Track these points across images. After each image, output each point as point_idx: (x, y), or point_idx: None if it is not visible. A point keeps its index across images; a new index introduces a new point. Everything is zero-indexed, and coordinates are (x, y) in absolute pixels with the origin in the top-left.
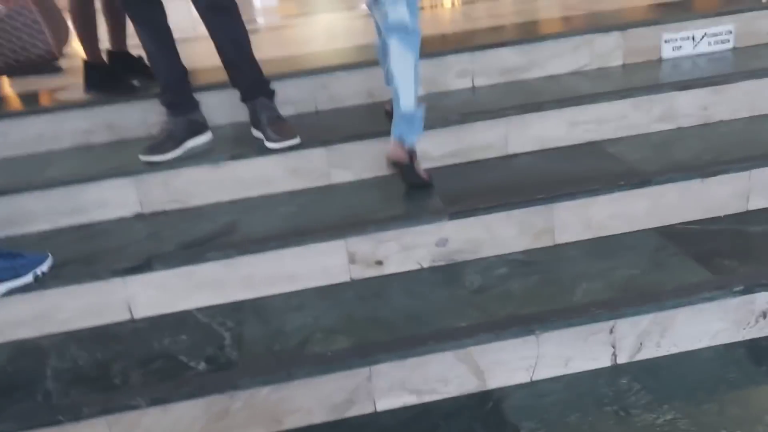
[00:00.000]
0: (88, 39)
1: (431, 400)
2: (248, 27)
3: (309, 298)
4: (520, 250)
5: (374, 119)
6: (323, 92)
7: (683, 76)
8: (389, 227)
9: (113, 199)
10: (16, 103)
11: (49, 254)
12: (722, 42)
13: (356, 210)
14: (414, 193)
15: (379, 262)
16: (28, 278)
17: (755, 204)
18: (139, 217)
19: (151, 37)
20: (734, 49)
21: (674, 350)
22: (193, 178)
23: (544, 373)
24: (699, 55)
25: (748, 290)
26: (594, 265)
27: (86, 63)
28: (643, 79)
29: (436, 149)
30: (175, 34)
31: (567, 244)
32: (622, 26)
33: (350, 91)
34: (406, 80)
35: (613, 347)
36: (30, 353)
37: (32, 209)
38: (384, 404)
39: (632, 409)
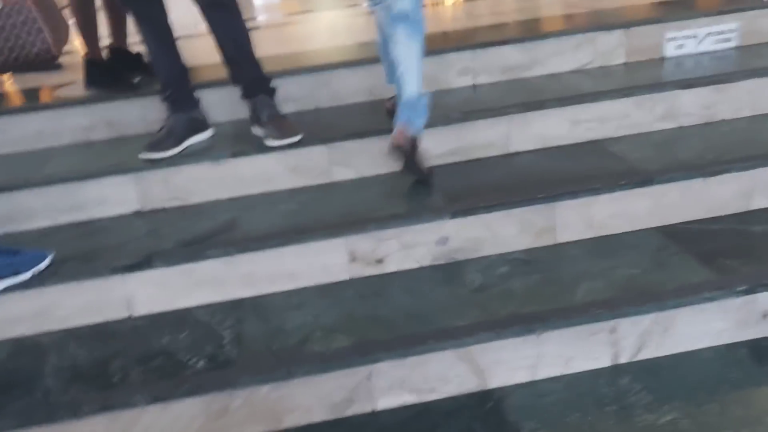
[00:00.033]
0: (89, 35)
1: (431, 399)
2: (249, 24)
3: (309, 297)
4: (521, 249)
5: (375, 117)
6: (324, 90)
7: (686, 74)
8: (390, 225)
9: (113, 196)
10: (15, 99)
11: (49, 252)
12: (725, 40)
13: (357, 208)
14: (414, 191)
15: (380, 261)
16: (27, 275)
17: (758, 204)
18: (138, 214)
19: (152, 34)
20: (737, 47)
21: (675, 350)
22: (194, 175)
23: (544, 372)
24: (702, 54)
25: (750, 290)
26: (595, 264)
27: (86, 60)
28: (645, 78)
29: (438, 147)
30: (176, 31)
31: (568, 243)
32: (625, 24)
33: (351, 88)
34: (411, 67)
35: (614, 347)
36: (29, 350)
37: (31, 206)
38: (384, 403)
39: (633, 410)
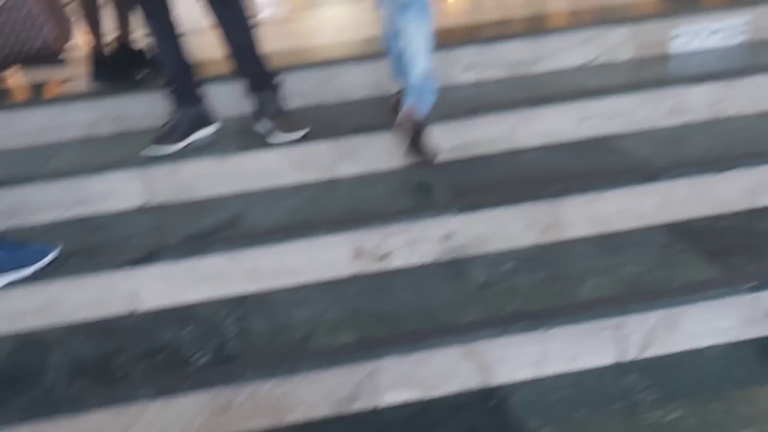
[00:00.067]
0: (94, 30)
1: (436, 396)
2: (254, 19)
3: (313, 292)
4: (526, 245)
5: (380, 112)
6: (329, 85)
7: (693, 70)
8: (394, 221)
9: (118, 191)
10: (20, 94)
11: (55, 246)
12: (733, 36)
13: (361, 204)
14: (419, 186)
15: (385, 257)
16: (31, 270)
17: (765, 201)
18: (143, 209)
19: (158, 29)
20: (745, 43)
21: (682, 348)
22: (198, 170)
23: (550, 369)
24: (709, 50)
25: (757, 288)
26: (601, 261)
27: (91, 54)
28: (652, 74)
29: (443, 143)
30: (182, 26)
31: (574, 239)
32: (632, 20)
33: (356, 83)
34: (418, 51)
35: (620, 344)
36: (33, 345)
37: (36, 201)
38: (388, 399)
39: (639, 407)
